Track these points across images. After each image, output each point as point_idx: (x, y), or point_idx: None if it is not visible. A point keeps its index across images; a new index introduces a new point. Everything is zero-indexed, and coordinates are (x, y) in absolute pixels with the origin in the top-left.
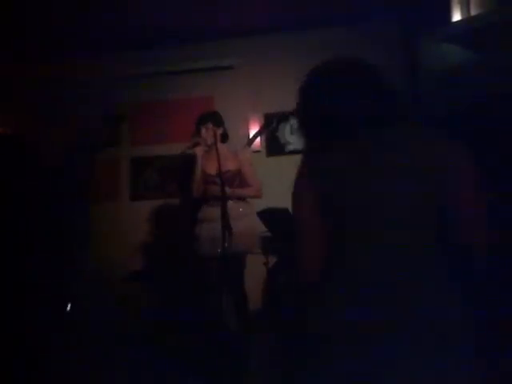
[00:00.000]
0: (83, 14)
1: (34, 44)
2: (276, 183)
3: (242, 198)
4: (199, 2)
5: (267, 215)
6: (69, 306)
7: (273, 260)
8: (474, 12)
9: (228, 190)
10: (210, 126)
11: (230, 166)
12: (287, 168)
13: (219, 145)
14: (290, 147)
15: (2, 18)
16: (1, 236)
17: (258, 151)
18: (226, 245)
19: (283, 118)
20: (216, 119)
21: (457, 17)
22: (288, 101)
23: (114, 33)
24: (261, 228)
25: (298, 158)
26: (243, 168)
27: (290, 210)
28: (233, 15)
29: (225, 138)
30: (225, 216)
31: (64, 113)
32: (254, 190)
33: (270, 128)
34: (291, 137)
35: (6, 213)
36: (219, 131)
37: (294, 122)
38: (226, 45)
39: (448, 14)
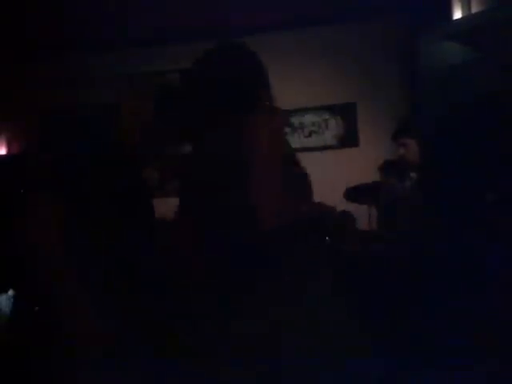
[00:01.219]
0: (83, 13)
1: (33, 44)
2: None
3: None
4: (199, 1)
5: None
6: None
7: None
8: (474, 10)
9: None
10: None
11: None
12: None
13: None
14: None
15: (1, 18)
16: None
17: None
18: None
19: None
20: None
21: (457, 14)
22: (288, 99)
23: (113, 32)
24: None
25: (299, 156)
26: None
27: None
28: (233, 14)
29: None
30: None
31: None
32: None
33: None
34: (292, 135)
35: None
36: None
37: (294, 120)
38: None
39: (449, 11)
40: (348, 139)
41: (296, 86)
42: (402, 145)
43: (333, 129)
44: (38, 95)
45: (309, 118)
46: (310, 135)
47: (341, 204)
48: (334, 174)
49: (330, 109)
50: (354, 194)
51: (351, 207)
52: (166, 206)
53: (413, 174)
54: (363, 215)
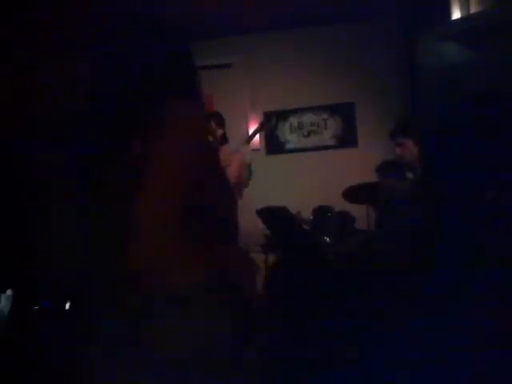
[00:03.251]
0: (83, 13)
1: (33, 44)
2: (275, 182)
3: None
4: (200, 1)
5: (266, 213)
6: (67, 304)
7: (272, 258)
8: (473, 10)
9: None
10: (212, 124)
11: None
12: (286, 167)
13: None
14: (290, 146)
15: (1, 18)
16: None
17: (257, 149)
18: None
19: (282, 115)
20: (217, 119)
21: (456, 15)
22: (287, 99)
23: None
24: (260, 226)
25: (297, 156)
26: (228, 169)
27: (289, 208)
28: (232, 13)
29: (224, 139)
30: None
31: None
32: None
33: (269, 125)
34: (291, 135)
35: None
36: (220, 132)
37: (293, 120)
38: (224, 43)
39: (448, 12)
40: (347, 139)
41: (295, 85)
42: (398, 145)
43: (332, 129)
44: None
45: (308, 118)
46: (308, 135)
47: (340, 204)
48: (332, 174)
49: (329, 108)
50: (353, 194)
51: (350, 207)
52: None
53: (409, 174)
54: (362, 215)
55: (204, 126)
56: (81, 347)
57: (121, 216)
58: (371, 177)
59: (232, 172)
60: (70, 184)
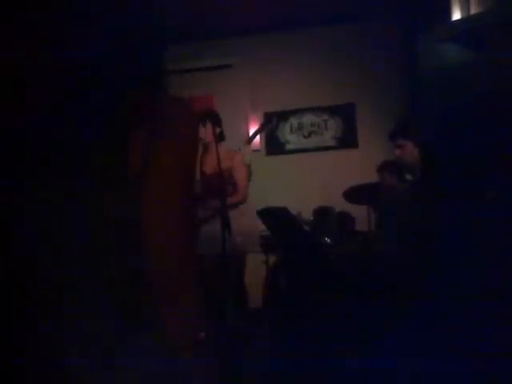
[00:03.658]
0: (82, 13)
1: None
2: (275, 182)
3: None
4: (198, 1)
5: (267, 214)
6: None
7: (273, 259)
8: (473, 11)
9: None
10: (209, 125)
11: (226, 165)
12: (287, 167)
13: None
14: (290, 146)
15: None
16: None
17: (257, 150)
18: (226, 244)
19: (283, 116)
20: (214, 119)
21: (456, 16)
22: (287, 99)
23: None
24: (261, 227)
25: (298, 157)
26: (234, 170)
27: (290, 209)
28: (232, 14)
29: (221, 137)
30: (224, 214)
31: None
32: (240, 195)
33: (269, 126)
34: (291, 136)
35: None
36: (217, 130)
37: (293, 120)
38: (225, 44)
39: (448, 13)
40: (347, 140)
41: (295, 86)
42: (398, 146)
43: (332, 129)
44: None
45: (308, 119)
46: (309, 136)
47: (340, 205)
48: (333, 175)
49: (330, 109)
50: (354, 194)
51: (351, 208)
52: None
53: (408, 176)
54: (363, 216)
55: (193, 124)
56: (80, 347)
57: (121, 215)
58: (372, 177)
59: (242, 177)
60: (69, 184)
